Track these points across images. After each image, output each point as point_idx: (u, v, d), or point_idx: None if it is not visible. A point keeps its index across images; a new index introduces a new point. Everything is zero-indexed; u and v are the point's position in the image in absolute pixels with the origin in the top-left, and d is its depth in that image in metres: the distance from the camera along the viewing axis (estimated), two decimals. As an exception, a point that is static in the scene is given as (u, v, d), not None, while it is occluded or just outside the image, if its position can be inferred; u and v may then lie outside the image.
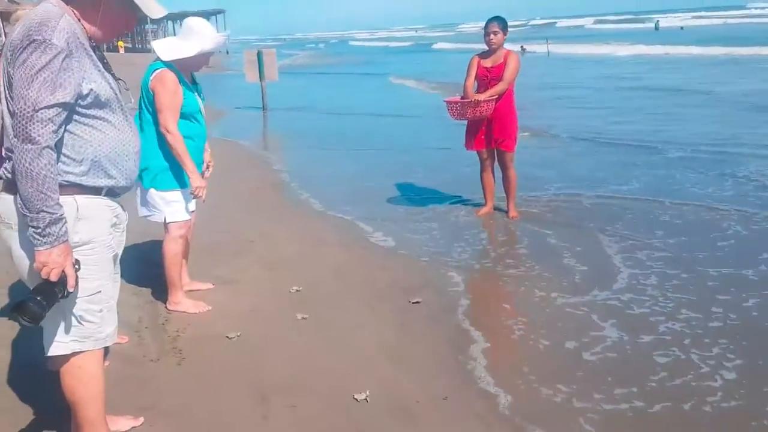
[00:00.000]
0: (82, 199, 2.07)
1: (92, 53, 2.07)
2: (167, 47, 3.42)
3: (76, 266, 2.02)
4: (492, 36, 5.28)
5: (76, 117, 2.01)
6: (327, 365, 3.15)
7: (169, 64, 3.40)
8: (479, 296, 4.19)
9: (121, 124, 2.16)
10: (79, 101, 2.00)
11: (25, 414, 2.68)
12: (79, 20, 2.06)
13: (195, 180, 3.47)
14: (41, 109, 1.87)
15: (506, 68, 5.26)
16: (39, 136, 1.87)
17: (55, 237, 1.92)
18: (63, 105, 1.92)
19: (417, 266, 4.53)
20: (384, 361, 3.18)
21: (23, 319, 1.92)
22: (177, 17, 58.98)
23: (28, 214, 1.90)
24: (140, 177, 3.41)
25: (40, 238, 1.91)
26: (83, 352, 2.17)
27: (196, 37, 3.43)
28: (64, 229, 1.95)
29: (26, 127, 1.87)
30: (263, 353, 3.28)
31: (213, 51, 3.56)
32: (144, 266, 4.07)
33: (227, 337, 3.41)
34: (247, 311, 3.79)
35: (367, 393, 2.84)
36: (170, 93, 3.36)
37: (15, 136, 1.89)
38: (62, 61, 1.91)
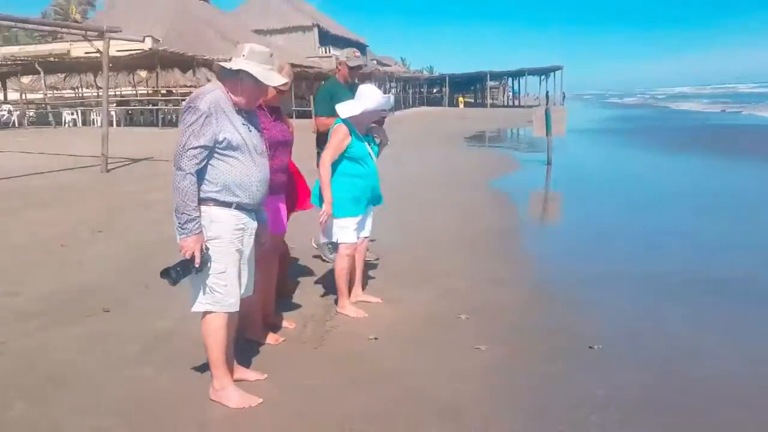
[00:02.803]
0: (215, 209, 3.16)
1: (233, 114, 3.17)
2: (344, 107, 4.49)
3: (206, 252, 3.12)
4: None
5: (215, 155, 3.12)
6: (410, 384, 3.77)
7: (345, 120, 4.48)
8: None
9: (247, 161, 3.20)
10: (217, 145, 3.10)
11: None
12: (227, 93, 3.19)
13: (326, 206, 4.40)
14: (189, 149, 3.02)
15: None
16: (185, 166, 3.02)
17: (189, 230, 3.04)
18: (203, 147, 3.04)
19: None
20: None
21: (166, 279, 3.06)
22: (516, 74, 62.41)
23: (175, 214, 3.05)
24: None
25: (180, 230, 3.06)
26: (212, 312, 3.25)
27: (362, 99, 4.47)
28: (197, 226, 3.05)
29: (178, 160, 3.03)
30: (384, 351, 4.05)
31: (377, 109, 4.52)
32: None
33: (368, 338, 4.26)
34: (397, 323, 4.57)
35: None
36: (338, 139, 4.44)
37: (173, 165, 3.07)
38: (204, 119, 3.04)
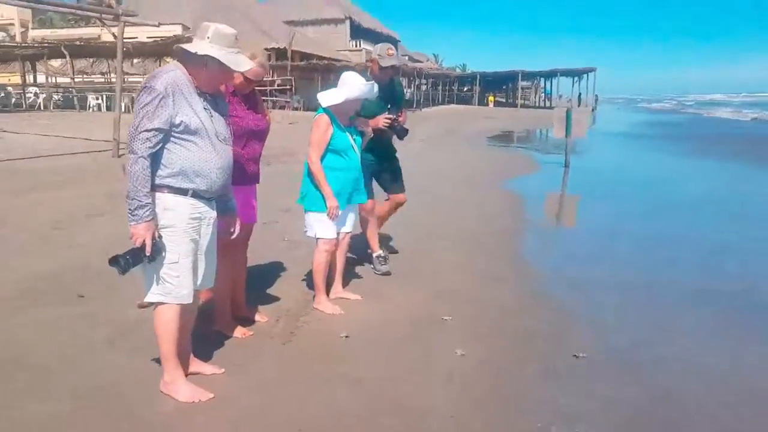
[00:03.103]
0: (170, 196, 3.04)
1: (193, 97, 3.04)
2: (325, 96, 4.35)
3: (159, 240, 2.99)
4: None
5: (171, 138, 3.00)
6: (399, 391, 3.63)
7: (326, 110, 4.32)
8: None
9: (206, 146, 3.08)
10: (173, 128, 2.97)
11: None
12: (189, 76, 3.06)
13: (329, 201, 4.29)
14: (142, 131, 2.90)
15: None
16: (138, 149, 2.90)
17: (139, 217, 2.92)
18: (157, 130, 2.91)
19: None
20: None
21: (115, 267, 2.95)
22: (549, 75, 61.60)
23: (126, 200, 2.93)
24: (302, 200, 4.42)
25: (131, 216, 2.93)
26: (164, 304, 3.13)
27: (344, 87, 4.32)
28: (147, 212, 2.93)
29: (131, 143, 2.91)
30: (355, 351, 3.92)
31: (359, 98, 4.37)
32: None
33: (339, 335, 4.12)
34: (374, 321, 4.42)
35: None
36: (320, 132, 4.29)
37: (126, 148, 2.95)
38: (160, 100, 2.91)
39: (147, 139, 2.91)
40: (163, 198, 3.04)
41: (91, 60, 30.15)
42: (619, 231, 7.97)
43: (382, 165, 5.43)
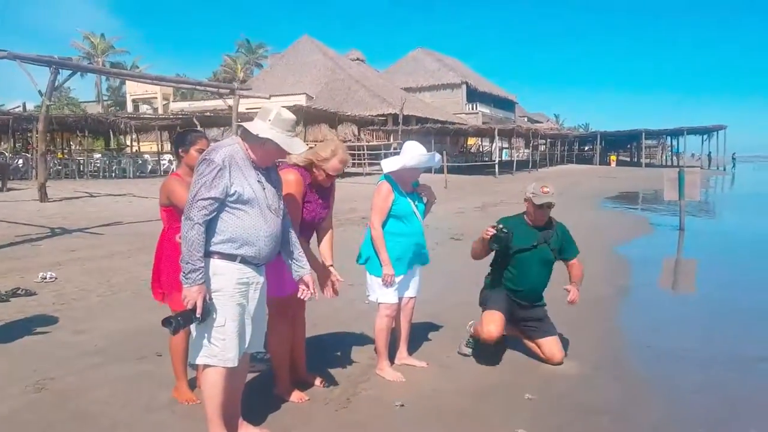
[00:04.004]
0: (219, 261, 3.18)
1: (248, 169, 3.20)
2: (386, 163, 4.42)
3: (210, 302, 3.13)
4: None
5: (226, 208, 3.15)
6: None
7: (387, 176, 4.39)
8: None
9: (257, 215, 3.21)
10: (228, 198, 3.13)
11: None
12: (246, 150, 3.24)
13: (385, 269, 4.29)
14: (199, 200, 3.07)
15: None
16: (194, 216, 3.07)
17: (192, 280, 3.07)
18: (213, 199, 3.08)
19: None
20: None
21: (167, 327, 3.10)
22: (674, 133, 58.98)
23: (181, 263, 3.09)
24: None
25: (185, 279, 3.08)
26: (211, 366, 3.23)
27: (402, 156, 4.37)
28: (200, 276, 3.07)
29: (188, 211, 3.08)
30: (407, 421, 3.84)
31: (418, 167, 4.40)
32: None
33: (394, 404, 4.05)
34: (435, 391, 4.31)
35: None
36: (381, 198, 4.34)
37: (183, 215, 3.14)
38: (218, 172, 3.09)
39: (203, 207, 3.08)
40: (214, 263, 3.18)
41: (222, 129, 32.37)
42: (735, 301, 7.34)
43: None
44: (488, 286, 5.01)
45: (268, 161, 3.35)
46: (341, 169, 4.02)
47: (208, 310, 3.15)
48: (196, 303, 3.08)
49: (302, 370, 4.32)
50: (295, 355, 4.24)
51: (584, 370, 4.77)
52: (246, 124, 3.27)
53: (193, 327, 3.19)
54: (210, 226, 3.15)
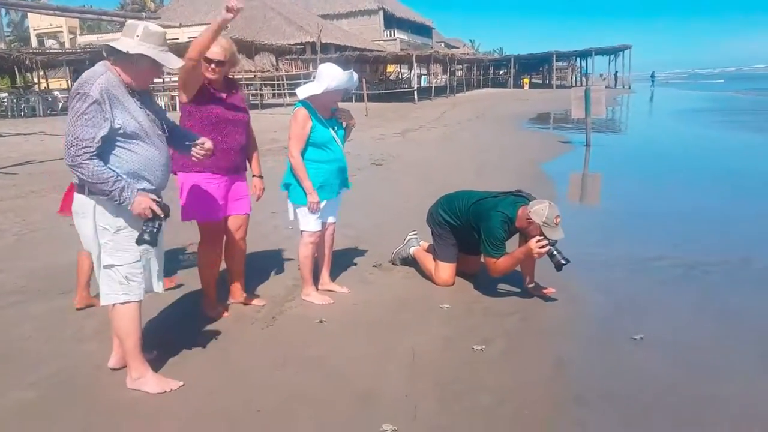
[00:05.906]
0: None
1: (127, 99, 3.04)
2: (303, 89, 4.30)
3: (159, 201, 3.14)
4: None
5: (116, 144, 3.01)
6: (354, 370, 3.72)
7: (304, 102, 4.31)
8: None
9: (149, 145, 3.12)
10: (113, 133, 2.98)
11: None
12: (119, 75, 3.06)
13: (310, 197, 4.32)
14: (81, 140, 2.90)
15: None
16: (80, 158, 2.91)
17: (129, 197, 2.99)
18: (96, 137, 2.90)
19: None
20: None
21: (145, 244, 3.08)
22: (583, 54, 60.33)
23: (108, 199, 2.99)
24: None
25: (123, 202, 2.99)
26: (129, 303, 3.20)
27: (322, 79, 4.21)
28: (130, 190, 2.99)
29: (71, 152, 2.91)
30: (328, 335, 4.01)
31: (339, 89, 4.26)
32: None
33: (317, 321, 4.21)
34: (357, 306, 4.50)
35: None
36: (299, 125, 4.26)
37: (65, 158, 2.97)
38: (96, 106, 2.91)
39: (87, 146, 2.91)
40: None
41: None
42: (635, 208, 7.88)
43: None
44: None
45: (142, 82, 3.16)
46: (221, 54, 3.86)
47: (165, 205, 3.15)
48: (151, 208, 3.05)
49: (238, 293, 4.47)
50: (234, 279, 4.41)
51: (495, 278, 5.07)
52: (113, 43, 3.05)
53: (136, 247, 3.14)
54: (105, 164, 3.00)
